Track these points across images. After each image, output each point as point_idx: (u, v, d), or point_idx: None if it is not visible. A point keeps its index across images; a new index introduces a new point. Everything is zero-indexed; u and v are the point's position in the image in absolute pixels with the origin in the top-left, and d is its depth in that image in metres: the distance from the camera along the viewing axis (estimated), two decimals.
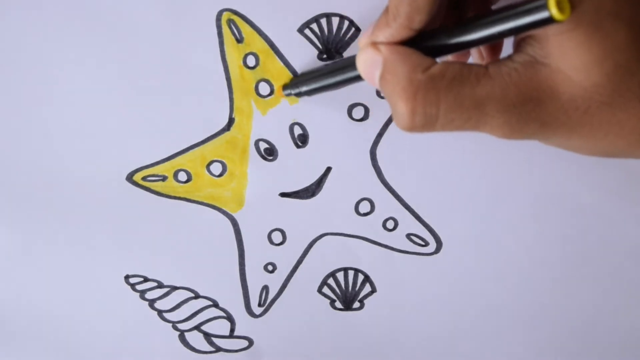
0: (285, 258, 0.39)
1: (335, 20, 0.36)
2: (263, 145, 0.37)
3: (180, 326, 0.39)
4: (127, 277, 0.38)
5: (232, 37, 0.35)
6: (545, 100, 0.24)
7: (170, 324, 0.39)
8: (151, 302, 0.39)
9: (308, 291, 0.39)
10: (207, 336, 0.39)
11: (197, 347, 0.39)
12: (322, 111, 0.37)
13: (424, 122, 0.25)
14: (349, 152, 0.37)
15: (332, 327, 0.40)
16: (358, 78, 0.29)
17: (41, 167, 0.36)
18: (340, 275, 0.39)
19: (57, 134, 0.36)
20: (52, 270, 0.38)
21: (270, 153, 0.37)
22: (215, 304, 0.39)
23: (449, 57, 0.32)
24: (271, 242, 0.38)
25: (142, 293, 0.38)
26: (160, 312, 0.39)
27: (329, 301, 0.39)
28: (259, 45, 0.36)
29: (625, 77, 0.23)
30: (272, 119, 0.37)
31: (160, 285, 0.38)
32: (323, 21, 0.36)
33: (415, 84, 0.25)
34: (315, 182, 0.38)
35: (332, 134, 0.36)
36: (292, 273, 0.39)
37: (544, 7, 0.22)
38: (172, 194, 0.37)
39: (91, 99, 0.36)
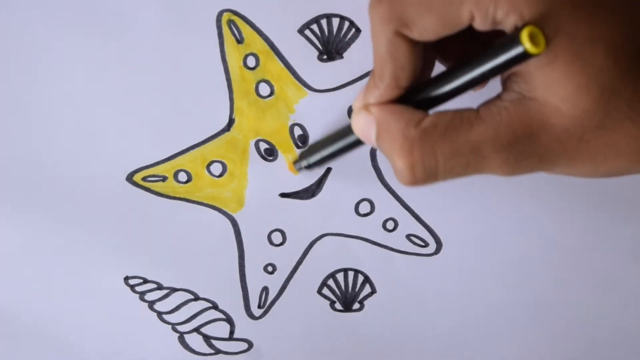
0: (285, 259, 0.39)
1: (335, 21, 0.36)
2: (263, 146, 0.37)
3: (180, 328, 0.39)
4: (126, 279, 0.38)
5: (233, 38, 0.36)
6: (539, 134, 0.24)
7: (170, 326, 0.39)
8: (151, 304, 0.38)
9: (308, 292, 0.39)
10: (207, 338, 0.39)
11: (196, 349, 0.39)
12: (322, 112, 0.37)
13: (424, 175, 0.25)
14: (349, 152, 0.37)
15: (332, 328, 0.39)
16: (361, 142, 0.29)
17: (41, 167, 0.36)
18: (340, 276, 0.39)
19: (57, 134, 0.36)
20: (52, 271, 0.38)
21: (270, 153, 0.37)
22: (215, 306, 0.39)
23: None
24: (271, 242, 0.38)
25: (142, 294, 0.38)
26: (159, 314, 0.39)
27: (328, 302, 0.39)
28: (259, 46, 0.36)
29: (612, 99, 0.23)
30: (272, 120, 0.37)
31: (160, 287, 0.38)
32: (323, 22, 0.36)
33: (410, 139, 0.25)
34: (315, 182, 0.38)
35: None
36: (292, 274, 0.39)
37: (518, 42, 0.22)
38: (172, 194, 0.37)
39: (91, 99, 0.36)
